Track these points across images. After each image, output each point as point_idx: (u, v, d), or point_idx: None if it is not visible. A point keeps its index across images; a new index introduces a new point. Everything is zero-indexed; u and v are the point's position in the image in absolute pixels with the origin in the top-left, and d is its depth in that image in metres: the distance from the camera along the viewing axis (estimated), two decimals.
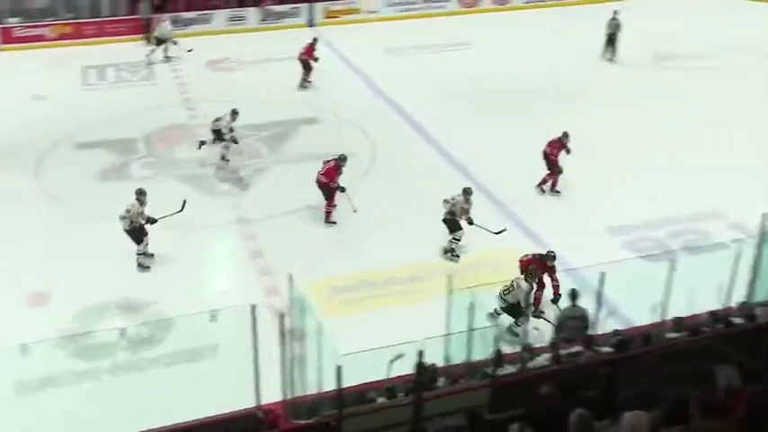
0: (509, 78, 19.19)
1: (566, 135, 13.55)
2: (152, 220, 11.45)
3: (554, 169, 13.63)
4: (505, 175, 14.15)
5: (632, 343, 8.14)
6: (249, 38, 22.78)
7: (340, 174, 12.61)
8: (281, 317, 7.03)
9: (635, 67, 20.07)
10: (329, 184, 12.59)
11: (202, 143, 14.63)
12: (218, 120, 14.50)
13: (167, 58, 20.63)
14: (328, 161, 12.71)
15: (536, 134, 14.12)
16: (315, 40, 18.86)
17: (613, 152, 15.09)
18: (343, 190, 12.55)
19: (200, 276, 11.57)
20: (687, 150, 15.08)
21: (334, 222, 12.73)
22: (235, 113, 14.32)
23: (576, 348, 8.41)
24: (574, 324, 9.15)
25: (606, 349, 8.09)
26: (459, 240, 11.83)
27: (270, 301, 10.23)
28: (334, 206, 12.73)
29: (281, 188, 14.04)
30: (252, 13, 23.76)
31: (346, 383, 6.09)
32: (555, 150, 13.61)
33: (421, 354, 6.97)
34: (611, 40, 20.91)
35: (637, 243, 12.23)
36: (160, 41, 20.69)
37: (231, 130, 14.35)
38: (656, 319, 9.01)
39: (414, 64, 20.54)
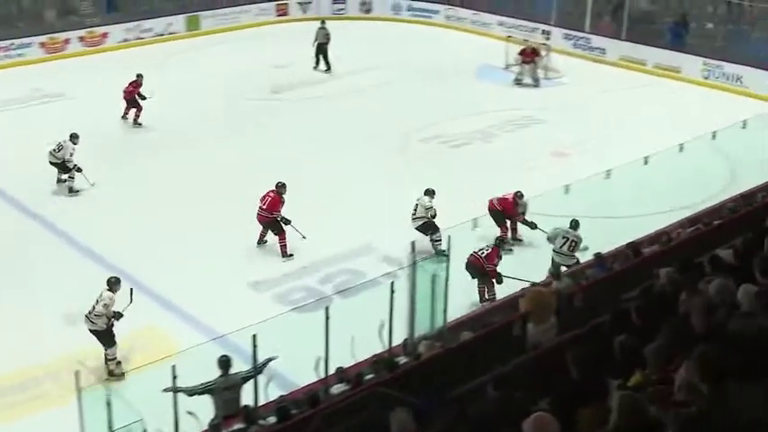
0: (111, 129, 18.85)
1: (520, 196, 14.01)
2: (119, 316, 10.85)
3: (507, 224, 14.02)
4: (123, 237, 13.79)
5: (297, 407, 8.25)
6: None
7: (283, 204, 13.71)
8: None
9: (240, 101, 20.85)
10: (274, 216, 13.68)
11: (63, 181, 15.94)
12: (58, 149, 15.67)
13: None
14: (265, 195, 13.76)
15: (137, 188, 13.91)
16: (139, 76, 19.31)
17: (236, 193, 15.38)
18: (288, 222, 13.68)
19: None
20: (320, 186, 16.01)
21: (292, 255, 13.67)
22: (75, 137, 15.80)
23: (237, 426, 8.30)
24: (229, 396, 9.03)
25: (272, 419, 8.09)
26: (440, 239, 13.14)
27: None
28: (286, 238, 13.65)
29: None
30: None
31: None
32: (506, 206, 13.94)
33: None
34: (322, 51, 22.91)
35: (289, 295, 12.64)
36: None
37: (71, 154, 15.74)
38: (320, 375, 9.24)
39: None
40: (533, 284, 10.27)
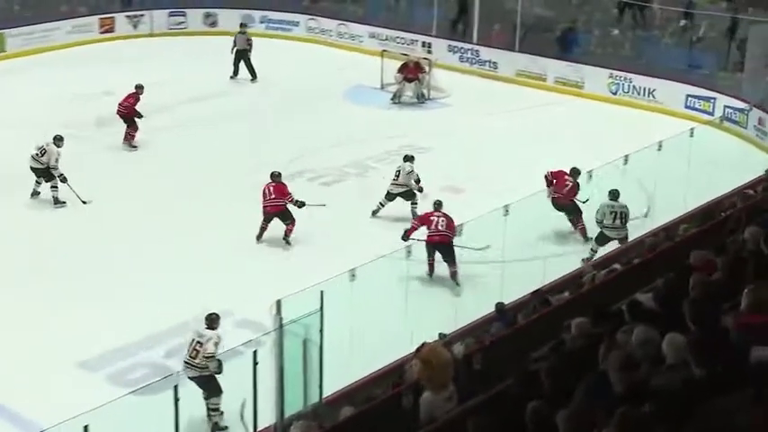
0: None
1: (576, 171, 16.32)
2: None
3: None
4: None
5: None
6: None
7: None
8: None
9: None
10: (286, 201, 15.91)
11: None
12: (41, 153, 16.90)
13: None
14: (265, 189, 15.98)
15: None
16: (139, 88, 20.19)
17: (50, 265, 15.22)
18: (302, 204, 15.99)
19: None
20: (157, 240, 15.92)
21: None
22: (60, 140, 17.09)
23: None
24: None
25: None
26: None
27: None
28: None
29: None
30: None
31: None
32: None
33: None
34: (245, 59, 24.21)
35: (127, 374, 12.43)
36: None
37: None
38: None
39: None
40: (437, 339, 10.33)
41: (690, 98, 22.98)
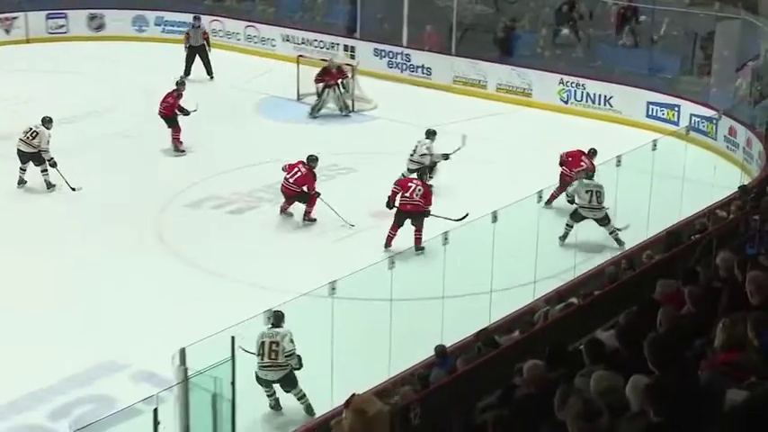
0: None
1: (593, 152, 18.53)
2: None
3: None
4: None
5: None
6: None
7: (315, 179, 18.02)
8: None
9: None
10: (301, 191, 17.94)
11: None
12: (32, 136, 18.72)
13: None
14: (293, 167, 17.95)
15: None
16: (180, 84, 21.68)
17: None
18: (318, 195, 17.81)
19: None
20: (38, 288, 15.64)
21: (315, 220, 17.94)
22: (49, 122, 18.99)
23: None
24: None
25: None
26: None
27: None
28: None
29: None
30: None
31: None
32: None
33: None
34: (201, 56, 25.61)
35: None
36: None
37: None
38: None
39: None
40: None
41: (651, 106, 23.48)
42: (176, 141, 21.29)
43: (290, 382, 12.60)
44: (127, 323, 14.43)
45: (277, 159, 20.40)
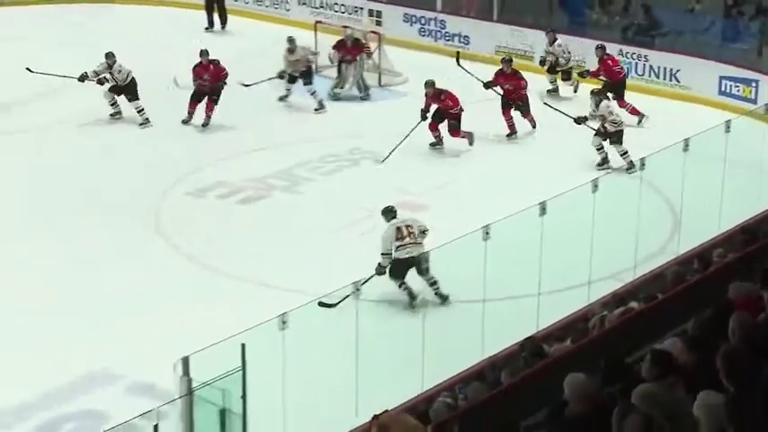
0: None
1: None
2: None
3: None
4: None
5: None
6: None
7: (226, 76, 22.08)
8: None
9: None
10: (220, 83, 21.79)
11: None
12: (118, 71, 21.93)
13: None
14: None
15: None
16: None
17: None
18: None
19: None
20: (29, 282, 15.83)
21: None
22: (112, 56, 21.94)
23: None
24: None
25: None
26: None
27: None
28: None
29: None
30: None
31: None
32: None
33: None
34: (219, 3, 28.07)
35: None
36: None
37: None
38: None
39: None
40: None
41: (725, 81, 23.39)
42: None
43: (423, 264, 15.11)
44: (121, 328, 14.50)
45: (288, 142, 20.56)
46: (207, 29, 28.28)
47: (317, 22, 26.09)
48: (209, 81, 21.88)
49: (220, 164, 20.05)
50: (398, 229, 15.27)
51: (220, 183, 19.28)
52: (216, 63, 22.13)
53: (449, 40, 26.71)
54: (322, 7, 28.00)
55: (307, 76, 23.02)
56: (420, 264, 15.05)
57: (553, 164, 19.46)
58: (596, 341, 11.24)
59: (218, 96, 21.90)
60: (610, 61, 22.81)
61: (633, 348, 9.04)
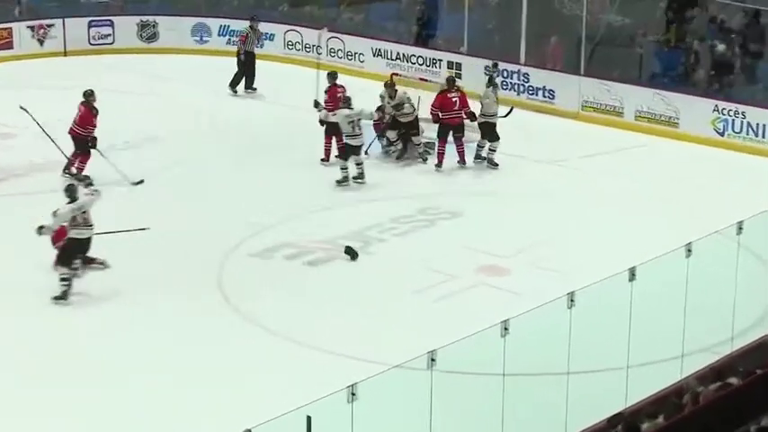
0: None
1: None
2: None
3: None
4: None
5: None
6: None
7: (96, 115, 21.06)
8: None
9: None
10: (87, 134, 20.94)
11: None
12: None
13: None
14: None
15: None
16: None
17: None
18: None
19: None
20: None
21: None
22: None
23: None
24: None
25: None
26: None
27: None
28: None
29: None
30: None
31: None
32: None
33: None
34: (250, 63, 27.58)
35: None
36: None
37: None
38: None
39: None
40: None
41: None
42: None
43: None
44: (178, 398, 14.50)
45: (358, 200, 20.50)
46: (247, 90, 27.48)
47: (393, 74, 25.94)
48: None
49: (284, 224, 20.01)
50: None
51: (286, 243, 19.23)
52: None
53: (532, 94, 26.60)
54: (397, 59, 28.01)
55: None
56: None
57: (644, 224, 19.27)
58: (691, 418, 11.05)
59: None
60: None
61: (732, 427, 8.83)
